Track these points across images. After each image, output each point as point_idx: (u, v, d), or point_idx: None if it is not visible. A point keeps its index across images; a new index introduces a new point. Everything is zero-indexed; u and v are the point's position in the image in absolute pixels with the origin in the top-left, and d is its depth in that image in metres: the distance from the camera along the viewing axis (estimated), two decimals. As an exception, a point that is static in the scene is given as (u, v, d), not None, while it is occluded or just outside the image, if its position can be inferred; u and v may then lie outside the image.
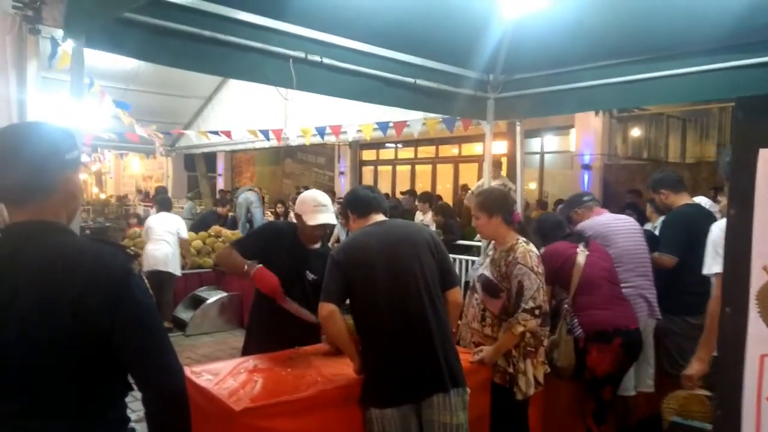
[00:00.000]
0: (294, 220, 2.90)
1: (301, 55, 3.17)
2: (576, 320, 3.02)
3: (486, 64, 4.07)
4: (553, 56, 3.84)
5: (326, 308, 2.16)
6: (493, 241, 2.86)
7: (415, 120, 5.84)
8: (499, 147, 7.60)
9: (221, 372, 2.22)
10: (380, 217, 2.42)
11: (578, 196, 3.88)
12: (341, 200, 2.87)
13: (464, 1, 3.42)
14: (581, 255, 3.09)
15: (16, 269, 1.20)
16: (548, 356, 2.88)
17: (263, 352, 2.57)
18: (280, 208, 9.91)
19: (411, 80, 3.76)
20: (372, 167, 15.69)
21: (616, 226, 3.50)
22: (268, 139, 8.33)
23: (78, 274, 1.21)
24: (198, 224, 8.29)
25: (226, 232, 7.65)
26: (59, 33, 2.65)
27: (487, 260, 2.81)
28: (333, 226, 2.73)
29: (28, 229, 1.25)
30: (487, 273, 2.73)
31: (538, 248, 2.75)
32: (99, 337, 1.21)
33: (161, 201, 6.84)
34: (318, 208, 2.71)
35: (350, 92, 3.59)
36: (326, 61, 3.28)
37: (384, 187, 14.12)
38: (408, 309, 2.20)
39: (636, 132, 11.35)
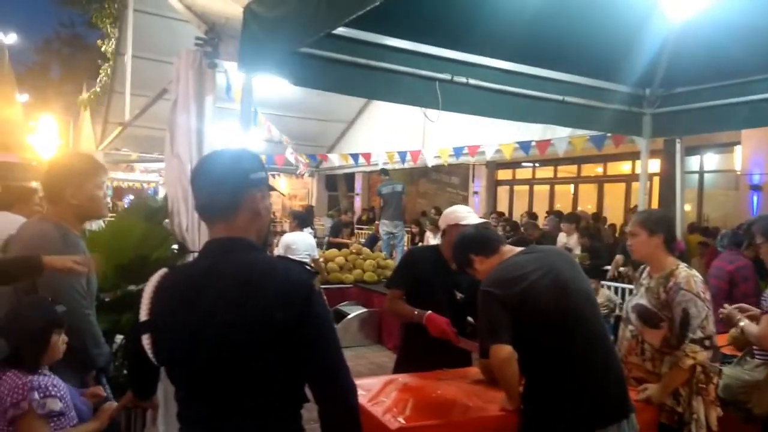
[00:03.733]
0: (429, 241, 2.92)
1: (447, 77, 3.22)
2: None
3: (641, 77, 3.80)
4: (720, 66, 3.50)
5: (504, 351, 1.99)
6: (647, 269, 2.63)
7: (560, 138, 5.61)
8: (652, 165, 7.04)
9: (372, 389, 2.27)
10: (511, 248, 2.27)
11: None
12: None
13: (618, 11, 3.24)
14: None
15: (215, 282, 1.33)
16: (738, 398, 2.57)
17: (413, 371, 2.58)
18: (415, 228, 10.03)
19: (559, 97, 3.63)
20: (507, 187, 15.35)
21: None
22: (403, 162, 8.51)
23: (269, 289, 1.30)
24: (331, 231, 10.21)
25: (366, 250, 7.93)
26: (233, 66, 2.92)
27: (642, 289, 2.58)
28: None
29: (223, 245, 1.38)
30: (644, 302, 2.51)
31: None
32: (285, 349, 1.30)
33: (303, 218, 7.09)
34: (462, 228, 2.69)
35: (496, 111, 3.56)
36: (472, 81, 3.28)
37: (519, 208, 13.74)
38: (586, 332, 2.05)
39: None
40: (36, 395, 1.79)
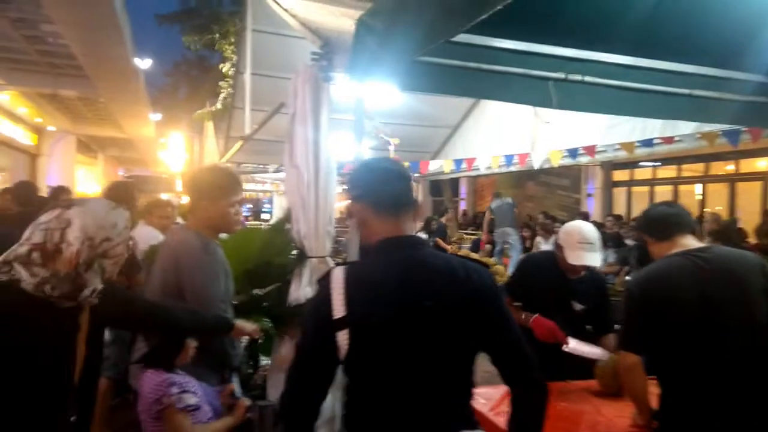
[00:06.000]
0: (540, 246, 2.82)
1: (561, 76, 3.10)
2: None
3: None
4: None
5: (629, 359, 1.90)
6: None
7: (687, 135, 5.19)
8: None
9: (493, 397, 2.24)
10: (689, 241, 2.01)
11: None
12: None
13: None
14: None
15: (417, 274, 1.45)
16: None
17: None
18: (526, 232, 9.76)
19: (685, 91, 3.37)
20: (625, 188, 14.46)
21: None
22: (509, 165, 8.30)
23: (469, 281, 1.46)
24: (436, 234, 10.45)
25: (475, 255, 7.83)
26: (347, 78, 3.01)
27: None
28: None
29: (407, 241, 1.52)
30: None
31: None
32: (477, 336, 1.47)
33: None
34: (582, 246, 2.54)
35: (615, 108, 3.38)
36: (587, 79, 3.14)
37: (638, 210, 12.88)
38: (735, 350, 1.86)
39: None
40: (174, 390, 1.95)
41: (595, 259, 2.53)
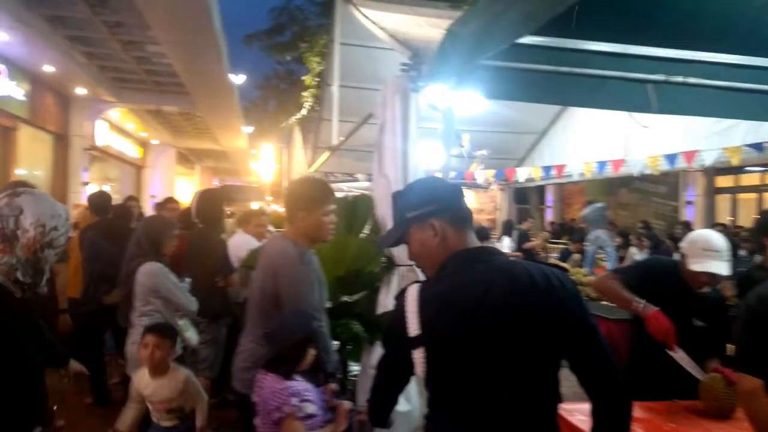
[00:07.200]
0: (633, 257, 2.65)
1: (661, 78, 2.95)
2: None
3: None
4: None
5: (750, 383, 1.73)
6: None
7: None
8: None
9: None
10: None
11: None
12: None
13: None
14: None
15: (496, 287, 1.42)
16: None
17: (638, 394, 2.36)
18: (618, 239, 9.31)
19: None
20: (729, 195, 13.44)
21: None
22: (601, 172, 7.95)
23: (552, 290, 1.42)
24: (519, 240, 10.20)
25: (566, 266, 7.57)
26: (436, 87, 3.03)
27: None
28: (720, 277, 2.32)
29: (483, 251, 1.52)
30: None
31: None
32: (563, 347, 1.43)
33: (482, 232, 7.21)
34: (708, 253, 2.38)
35: (723, 111, 3.17)
36: (691, 80, 2.96)
37: (745, 220, 11.91)
38: None
39: None
40: (294, 400, 2.03)
41: (722, 267, 2.35)
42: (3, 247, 1.55)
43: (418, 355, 1.42)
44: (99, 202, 4.96)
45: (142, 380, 2.91)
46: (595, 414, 1.47)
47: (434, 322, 1.41)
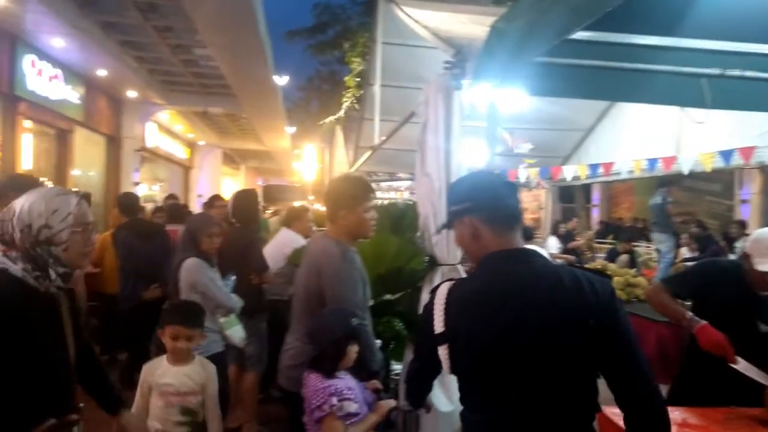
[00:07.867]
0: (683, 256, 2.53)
1: (716, 71, 2.83)
2: None
3: None
4: None
5: None
6: None
7: None
8: None
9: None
10: None
11: None
12: None
13: None
14: None
15: (523, 290, 1.40)
16: None
17: (692, 404, 2.28)
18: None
19: None
20: (788, 193, 12.78)
21: None
22: (651, 169, 7.68)
23: (581, 295, 1.37)
24: (563, 240, 10.24)
25: (613, 266, 7.37)
26: (479, 85, 2.99)
27: None
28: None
29: (521, 253, 1.49)
30: None
31: None
32: (591, 355, 1.37)
33: (526, 231, 7.13)
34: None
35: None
36: (749, 74, 2.83)
37: (806, 218, 11.31)
38: None
39: None
40: (334, 400, 2.04)
41: None
42: (8, 249, 1.61)
43: (443, 352, 1.45)
44: (127, 203, 5.19)
45: (159, 368, 2.54)
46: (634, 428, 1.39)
47: (457, 321, 1.43)
